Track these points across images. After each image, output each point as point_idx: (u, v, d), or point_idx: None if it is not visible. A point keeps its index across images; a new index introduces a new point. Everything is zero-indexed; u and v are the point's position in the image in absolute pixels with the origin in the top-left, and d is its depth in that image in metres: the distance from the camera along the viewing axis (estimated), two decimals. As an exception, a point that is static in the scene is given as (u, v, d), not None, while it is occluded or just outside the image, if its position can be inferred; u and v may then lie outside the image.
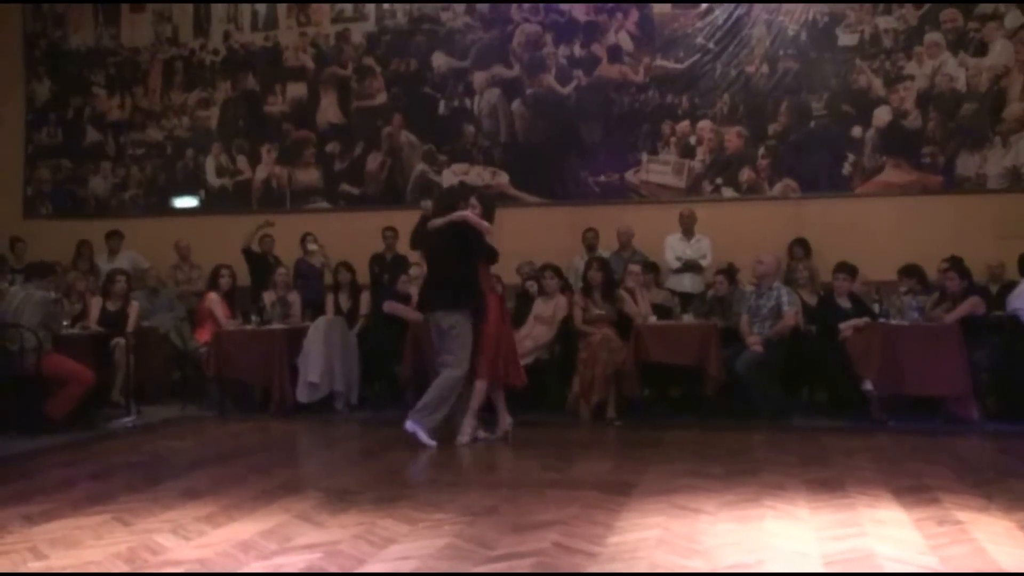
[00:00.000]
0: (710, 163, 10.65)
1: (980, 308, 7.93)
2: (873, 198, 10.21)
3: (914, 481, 5.44)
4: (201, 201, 12.09)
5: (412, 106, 11.45)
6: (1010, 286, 8.67)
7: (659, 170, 10.79)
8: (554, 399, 8.46)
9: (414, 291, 8.58)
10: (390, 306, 8.80)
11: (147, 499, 5.24)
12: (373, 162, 11.54)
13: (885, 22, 10.25)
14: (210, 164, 12.07)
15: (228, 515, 4.85)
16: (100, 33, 12.51)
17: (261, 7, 11.95)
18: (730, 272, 9.01)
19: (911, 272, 8.62)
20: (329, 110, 11.72)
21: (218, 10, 12.11)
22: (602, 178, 10.89)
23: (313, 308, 9.61)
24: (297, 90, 11.83)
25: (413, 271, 9.17)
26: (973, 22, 10.05)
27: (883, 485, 5.34)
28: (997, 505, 4.84)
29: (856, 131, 10.28)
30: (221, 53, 12.11)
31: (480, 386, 7.04)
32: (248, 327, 9.03)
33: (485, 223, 7.00)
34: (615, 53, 10.91)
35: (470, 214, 6.94)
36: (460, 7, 11.32)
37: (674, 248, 9.99)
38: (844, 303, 8.26)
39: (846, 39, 10.36)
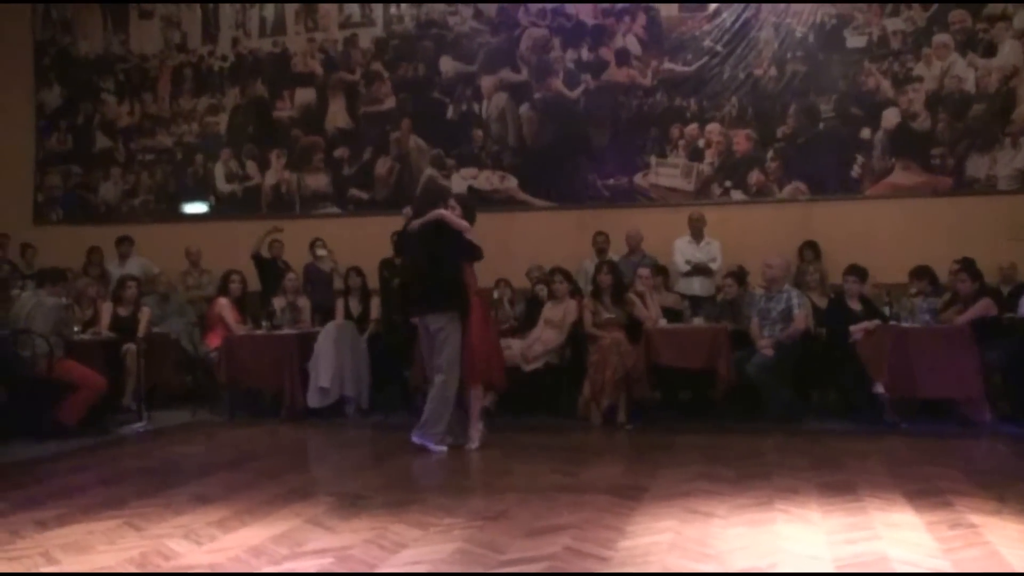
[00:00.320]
0: (719, 166, 10.64)
1: (992, 310, 7.89)
2: (883, 200, 10.18)
3: (926, 484, 5.42)
4: (211, 207, 12.12)
5: (420, 111, 11.46)
6: (1022, 287, 8.65)
7: (668, 173, 10.78)
8: (565, 403, 8.46)
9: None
10: None
11: (159, 504, 5.25)
12: (382, 167, 11.55)
13: (893, 24, 10.22)
14: (219, 170, 12.10)
15: (239, 520, 4.87)
16: (109, 40, 12.56)
17: (269, 13, 11.99)
18: (740, 275, 9.00)
19: (922, 274, 8.59)
20: (338, 115, 11.74)
21: (227, 16, 12.15)
22: (611, 181, 10.88)
23: (322, 313, 9.62)
24: (306, 95, 11.85)
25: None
26: (981, 23, 10.01)
27: (895, 488, 5.32)
28: (1010, 508, 4.83)
29: (865, 133, 10.26)
30: (230, 59, 12.14)
31: (476, 391, 7.03)
32: (258, 332, 9.05)
33: (463, 222, 6.93)
34: (623, 57, 10.91)
35: (447, 213, 6.89)
36: (467, 11, 11.33)
37: (683, 251, 9.97)
38: (855, 305, 8.24)
39: (854, 41, 10.33)
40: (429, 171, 11.33)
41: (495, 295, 9.40)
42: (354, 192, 11.62)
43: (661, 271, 9.50)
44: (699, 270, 9.87)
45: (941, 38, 10.11)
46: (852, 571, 3.86)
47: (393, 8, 11.58)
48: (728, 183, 10.62)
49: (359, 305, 9.58)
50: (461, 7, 11.35)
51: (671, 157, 10.77)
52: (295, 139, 11.84)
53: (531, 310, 9.11)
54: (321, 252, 10.27)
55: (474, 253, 7.02)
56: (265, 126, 11.98)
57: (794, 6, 10.45)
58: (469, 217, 7.07)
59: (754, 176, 10.54)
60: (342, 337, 8.80)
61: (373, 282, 9.93)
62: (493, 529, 4.57)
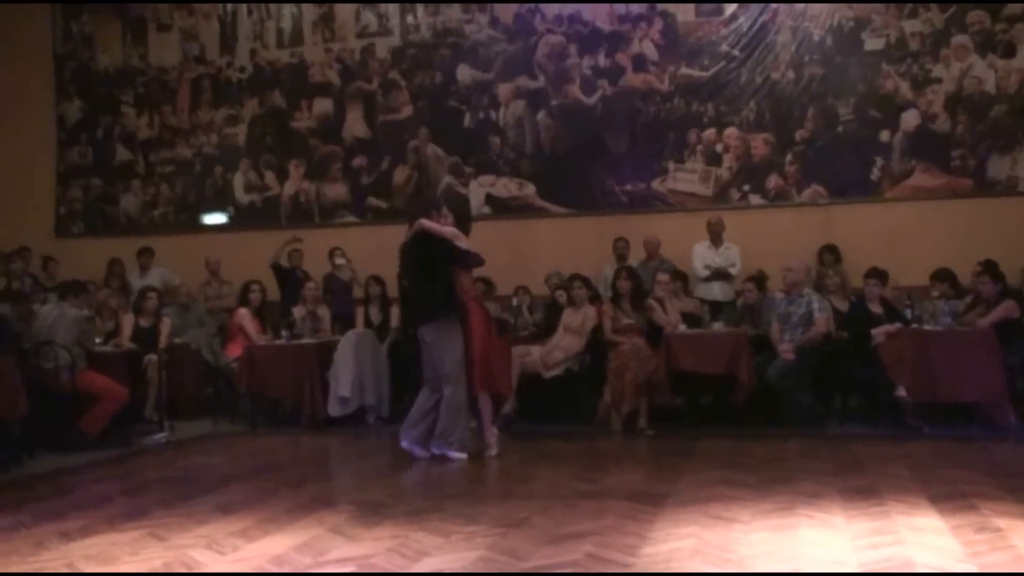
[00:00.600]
0: (737, 170, 10.61)
1: (1015, 312, 7.82)
2: (903, 203, 10.12)
3: (950, 488, 5.37)
4: (230, 217, 12.19)
5: (438, 119, 11.49)
6: (1045, 289, 8.58)
7: (686, 178, 10.76)
8: (585, 410, 8.44)
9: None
10: None
11: (181, 514, 5.27)
12: (400, 175, 11.58)
13: (911, 25, 10.17)
14: (238, 181, 12.17)
15: (262, 529, 4.88)
16: (128, 53, 12.66)
17: (286, 24, 12.05)
18: (759, 280, 8.96)
19: (943, 277, 8.53)
20: (355, 125, 11.78)
21: (244, 28, 12.23)
22: (629, 187, 10.88)
23: (342, 322, 9.63)
24: (323, 105, 11.90)
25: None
26: (1000, 23, 9.96)
27: (919, 492, 5.28)
28: (1036, 511, 4.78)
29: (884, 135, 10.21)
30: (247, 70, 12.21)
31: (484, 398, 6.97)
32: (278, 342, 9.07)
33: (449, 229, 6.80)
34: (640, 62, 10.91)
35: (428, 223, 6.78)
36: (484, 19, 11.35)
37: (702, 256, 9.94)
38: (876, 309, 8.19)
39: (872, 43, 10.29)
40: (447, 179, 11.35)
41: (514, 302, 9.40)
42: (372, 201, 11.65)
43: (680, 276, 9.47)
44: (718, 275, 9.84)
45: (960, 39, 10.06)
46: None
47: (410, 17, 11.63)
48: (746, 187, 10.59)
49: (379, 314, 9.59)
50: (478, 15, 11.38)
51: (689, 162, 10.75)
52: (313, 149, 11.89)
53: (550, 317, 9.10)
54: (340, 261, 10.29)
55: (468, 260, 6.90)
56: (283, 136, 12.03)
57: (811, 9, 10.42)
58: (462, 225, 6.96)
59: (772, 180, 10.51)
60: (362, 346, 8.82)
61: (393, 291, 9.93)
62: (515, 536, 4.57)
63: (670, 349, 8.04)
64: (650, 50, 10.88)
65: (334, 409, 8.64)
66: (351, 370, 8.63)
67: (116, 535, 4.84)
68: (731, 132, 10.61)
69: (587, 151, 10.98)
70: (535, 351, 8.50)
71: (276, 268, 10.33)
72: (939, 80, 10.10)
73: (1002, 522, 4.57)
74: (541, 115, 11.16)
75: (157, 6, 12.52)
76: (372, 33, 11.79)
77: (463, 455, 6.79)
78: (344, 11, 11.87)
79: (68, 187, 12.74)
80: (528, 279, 9.87)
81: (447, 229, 6.80)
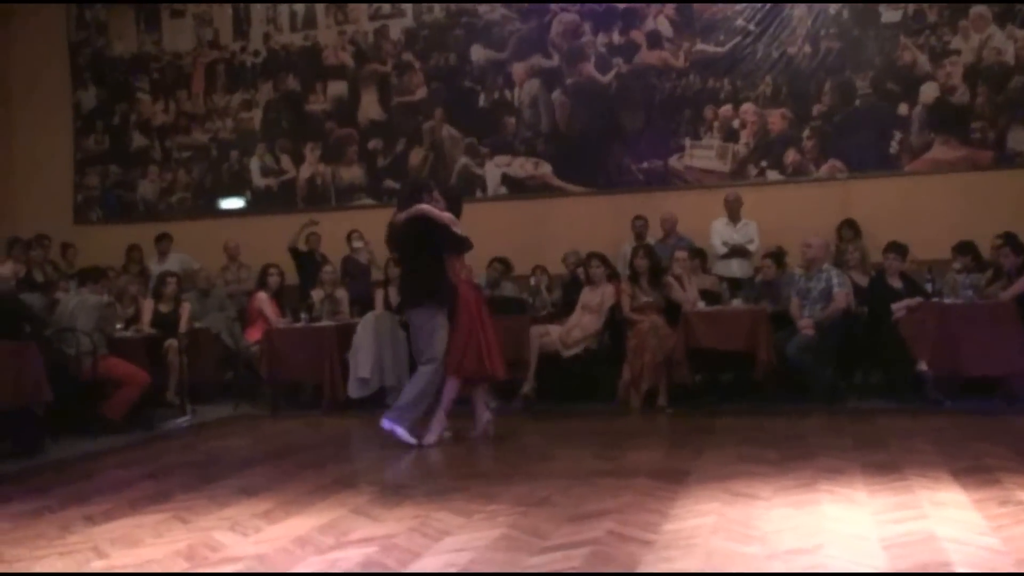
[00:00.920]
0: (754, 146, 10.54)
1: (1036, 284, 7.77)
2: (922, 176, 10.04)
3: (973, 462, 5.35)
4: (247, 202, 12.20)
5: (452, 100, 11.46)
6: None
7: (703, 155, 10.70)
8: (604, 388, 8.44)
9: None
10: None
11: (204, 497, 5.31)
12: (415, 157, 11.57)
13: (929, -4, 10.08)
14: (255, 165, 12.18)
15: (284, 511, 4.91)
16: (142, 39, 12.65)
17: (299, 7, 12.02)
18: (778, 256, 8.93)
19: (965, 250, 8.44)
20: (370, 107, 11.77)
21: (257, 12, 12.20)
22: (645, 165, 10.83)
23: (361, 304, 9.65)
24: (338, 88, 11.89)
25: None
26: (1020, -7, 9.85)
27: (941, 466, 5.26)
28: (1060, 484, 4.76)
29: (903, 109, 10.12)
30: (262, 54, 12.19)
31: (450, 384, 6.80)
32: (298, 325, 9.10)
33: (446, 214, 6.76)
34: (654, 39, 10.83)
35: (428, 207, 6.72)
36: (497, -2, 11.31)
37: (720, 233, 9.90)
38: (896, 283, 8.15)
39: (889, 16, 10.18)
40: (463, 160, 11.33)
41: (532, 282, 9.39)
42: (389, 183, 11.62)
43: (698, 253, 9.45)
44: (737, 251, 9.80)
45: (978, 9, 9.93)
46: (899, 550, 3.80)
47: (424, -1, 11.58)
48: (764, 163, 10.53)
49: (398, 295, 9.59)
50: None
51: (706, 139, 10.69)
52: (328, 132, 11.88)
53: (568, 296, 9.09)
54: (358, 244, 10.32)
55: (460, 246, 6.85)
56: (298, 120, 12.03)
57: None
58: (454, 209, 6.92)
59: (790, 155, 10.44)
60: (381, 327, 8.83)
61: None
62: (536, 515, 4.57)
63: (689, 327, 8.03)
64: (665, 26, 10.81)
65: (354, 391, 8.67)
66: (371, 352, 8.65)
67: (140, 518, 4.88)
68: (748, 108, 10.53)
69: (603, 129, 10.93)
70: (553, 331, 8.50)
71: (294, 251, 10.36)
72: (958, 52, 9.98)
73: (1026, 495, 4.55)
74: (556, 94, 11.11)
75: (170, -8, 12.54)
76: (385, 15, 11.74)
77: (413, 440, 6.65)
78: (357, -7, 11.86)
79: (85, 174, 12.78)
80: (546, 258, 9.85)
81: (446, 215, 6.77)
